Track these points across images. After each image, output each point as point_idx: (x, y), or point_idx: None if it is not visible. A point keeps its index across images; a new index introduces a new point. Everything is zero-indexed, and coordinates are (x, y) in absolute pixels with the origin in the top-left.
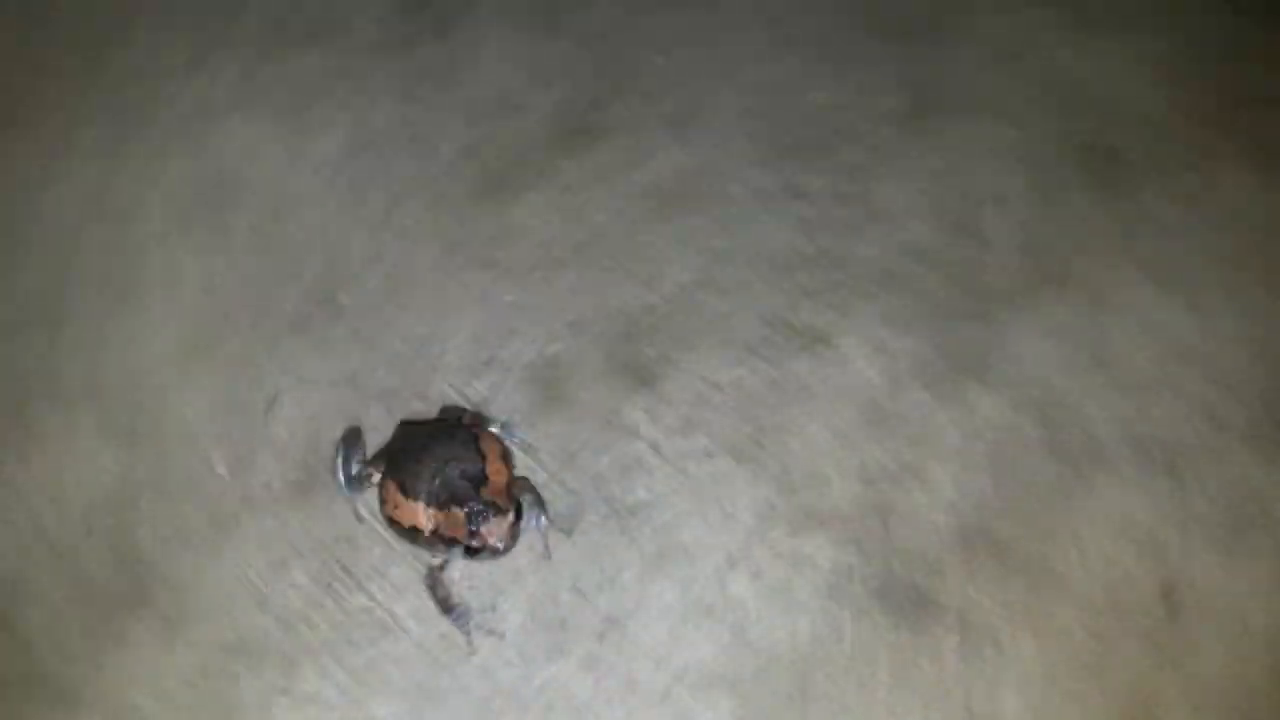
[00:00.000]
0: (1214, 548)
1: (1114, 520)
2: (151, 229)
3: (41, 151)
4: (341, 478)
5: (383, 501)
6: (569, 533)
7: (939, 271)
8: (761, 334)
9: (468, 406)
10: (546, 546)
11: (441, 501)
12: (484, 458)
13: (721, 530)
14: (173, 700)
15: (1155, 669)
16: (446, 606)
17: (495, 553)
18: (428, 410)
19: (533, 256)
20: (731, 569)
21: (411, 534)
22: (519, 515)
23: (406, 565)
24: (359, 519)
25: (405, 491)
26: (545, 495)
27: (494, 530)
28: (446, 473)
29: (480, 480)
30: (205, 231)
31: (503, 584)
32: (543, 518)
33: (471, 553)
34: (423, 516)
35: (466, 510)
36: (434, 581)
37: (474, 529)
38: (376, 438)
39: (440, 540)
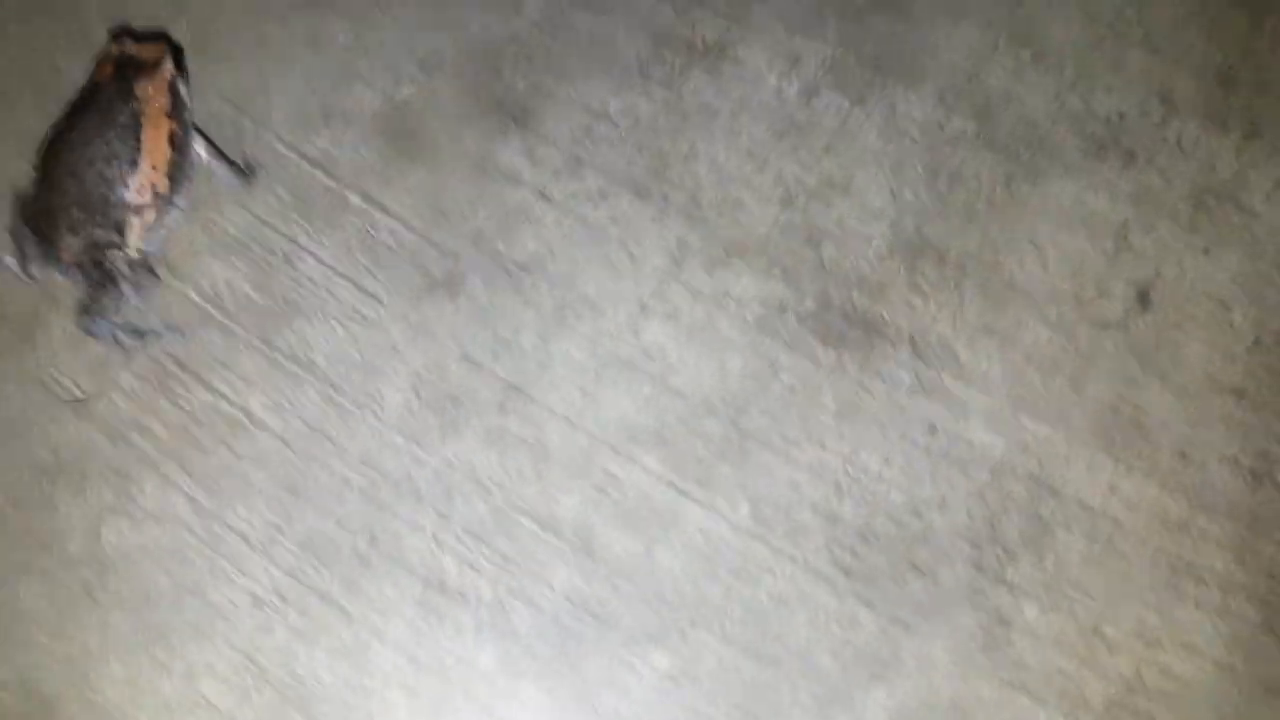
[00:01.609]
0: (1181, 236)
1: (1069, 215)
2: None
3: None
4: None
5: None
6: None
7: None
8: (648, 53)
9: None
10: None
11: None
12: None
13: (629, 276)
14: None
15: (1137, 376)
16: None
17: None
18: None
19: None
20: (645, 316)
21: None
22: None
23: (256, 352)
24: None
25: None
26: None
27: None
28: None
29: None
30: None
31: (379, 362)
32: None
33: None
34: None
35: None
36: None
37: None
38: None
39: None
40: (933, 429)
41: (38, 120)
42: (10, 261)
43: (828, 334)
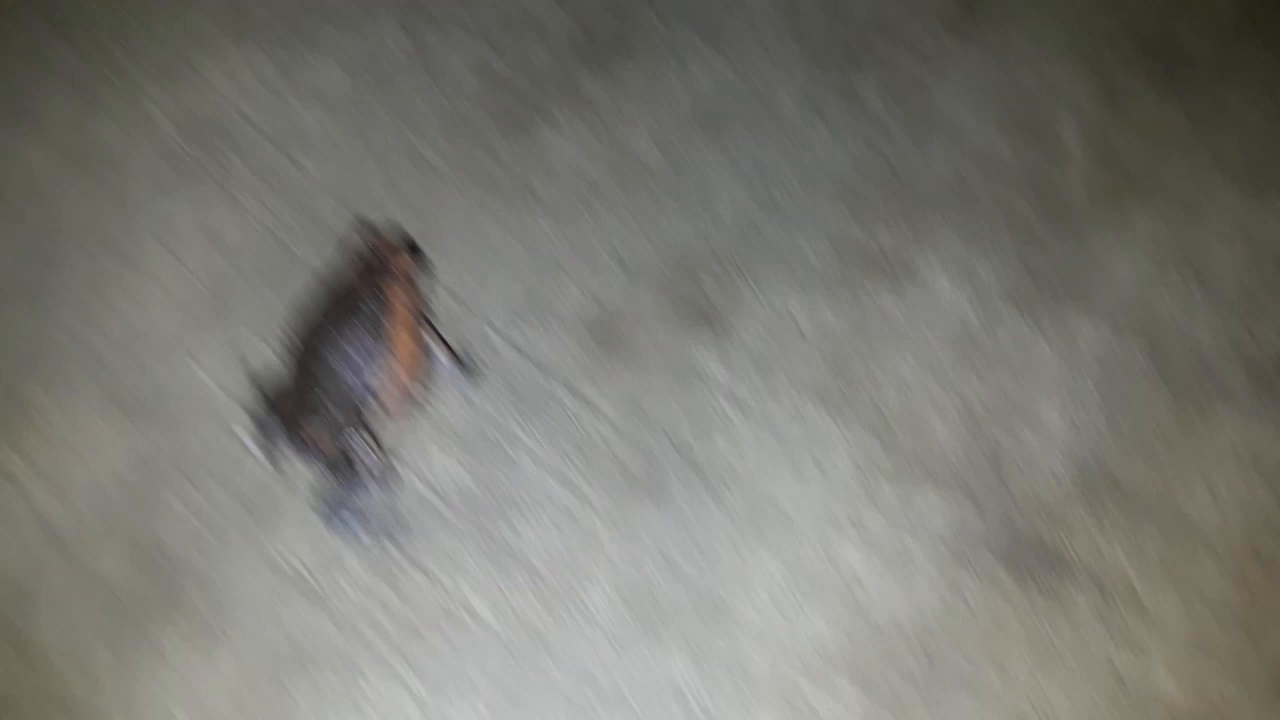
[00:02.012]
0: None
1: (1240, 455)
2: (142, 178)
3: (7, 92)
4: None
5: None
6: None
7: (1016, 185)
8: (834, 262)
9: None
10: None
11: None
12: (390, 338)
13: (819, 487)
14: (216, 717)
15: None
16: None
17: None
18: None
19: (572, 188)
20: (837, 532)
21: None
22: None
23: (477, 547)
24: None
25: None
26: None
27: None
28: (334, 382)
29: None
30: (204, 177)
31: (585, 561)
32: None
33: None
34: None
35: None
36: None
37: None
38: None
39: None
40: (1117, 674)
41: (277, 303)
42: (252, 444)
43: (1015, 565)
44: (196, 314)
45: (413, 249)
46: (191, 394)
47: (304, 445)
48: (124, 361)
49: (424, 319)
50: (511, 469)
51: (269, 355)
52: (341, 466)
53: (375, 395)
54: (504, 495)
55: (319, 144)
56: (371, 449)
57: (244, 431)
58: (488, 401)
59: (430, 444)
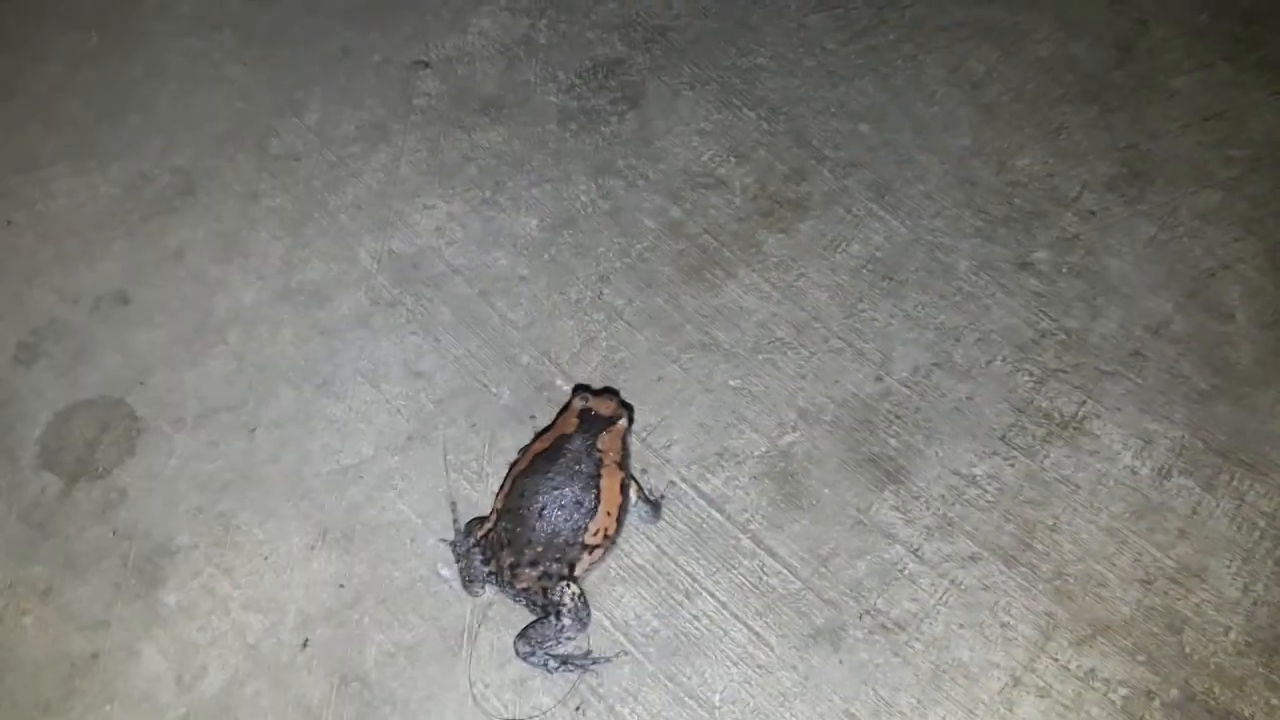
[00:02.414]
0: None
1: None
2: (346, 311)
3: (217, 233)
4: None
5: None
6: (657, 511)
7: (1184, 349)
8: (1010, 420)
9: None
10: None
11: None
12: (601, 490)
13: (1000, 645)
14: None
15: None
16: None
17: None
18: None
19: (753, 337)
20: (1017, 688)
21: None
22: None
23: (660, 686)
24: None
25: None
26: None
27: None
28: (551, 535)
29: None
30: (407, 314)
31: (770, 709)
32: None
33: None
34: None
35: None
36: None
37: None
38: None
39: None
40: None
41: (474, 440)
42: (448, 574)
43: None
44: (398, 446)
45: (626, 405)
46: (394, 525)
47: (511, 586)
48: (328, 491)
49: (630, 469)
50: (694, 610)
51: (469, 490)
52: (545, 607)
53: (585, 546)
54: (687, 636)
55: (514, 290)
56: (579, 599)
57: (445, 567)
58: (670, 542)
59: (617, 582)
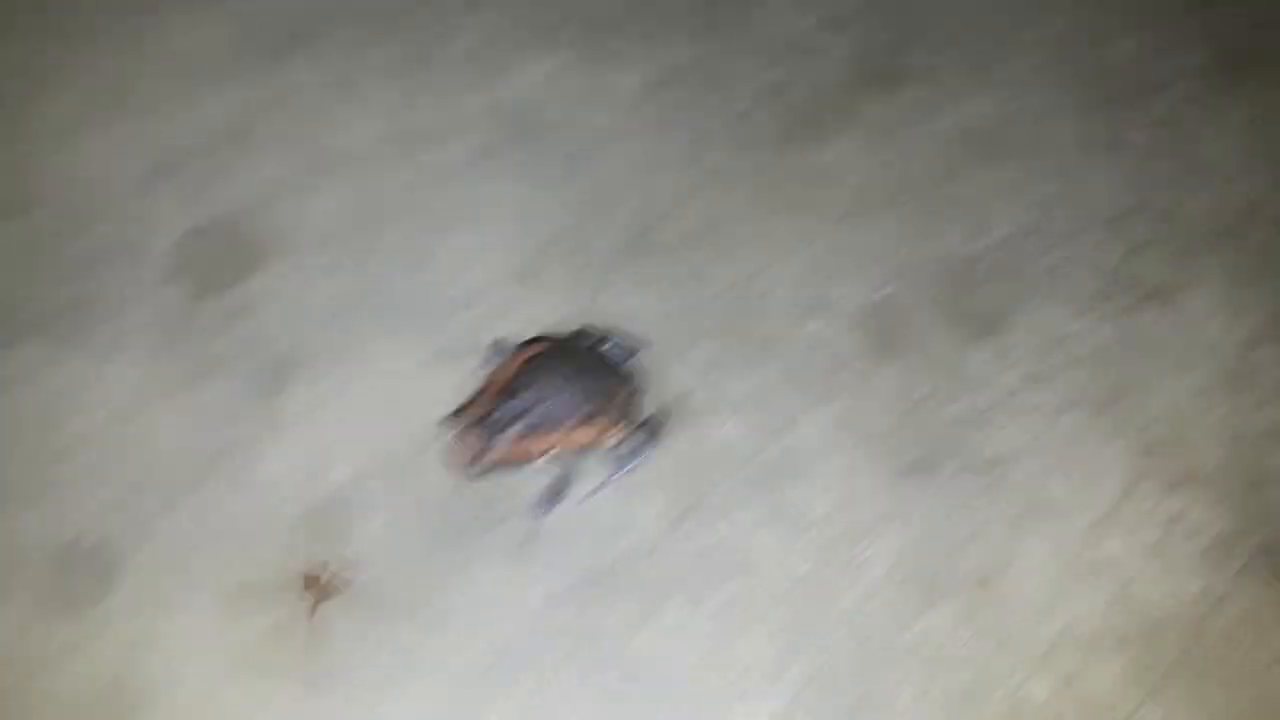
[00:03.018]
0: None
1: None
2: (455, 155)
3: (333, 76)
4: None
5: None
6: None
7: (1277, 231)
8: (1102, 285)
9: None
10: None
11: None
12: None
13: (1088, 487)
14: (527, 624)
15: None
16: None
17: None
18: None
19: (849, 200)
20: (1103, 528)
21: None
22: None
23: (763, 501)
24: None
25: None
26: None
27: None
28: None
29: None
30: (513, 163)
31: (865, 528)
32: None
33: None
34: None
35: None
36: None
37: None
38: (694, 374)
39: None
40: None
41: (572, 279)
42: None
43: (1275, 572)
44: (503, 281)
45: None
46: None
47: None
48: (439, 316)
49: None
50: (795, 439)
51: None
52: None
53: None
54: (788, 460)
55: (615, 144)
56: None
57: None
58: (775, 379)
59: (723, 411)
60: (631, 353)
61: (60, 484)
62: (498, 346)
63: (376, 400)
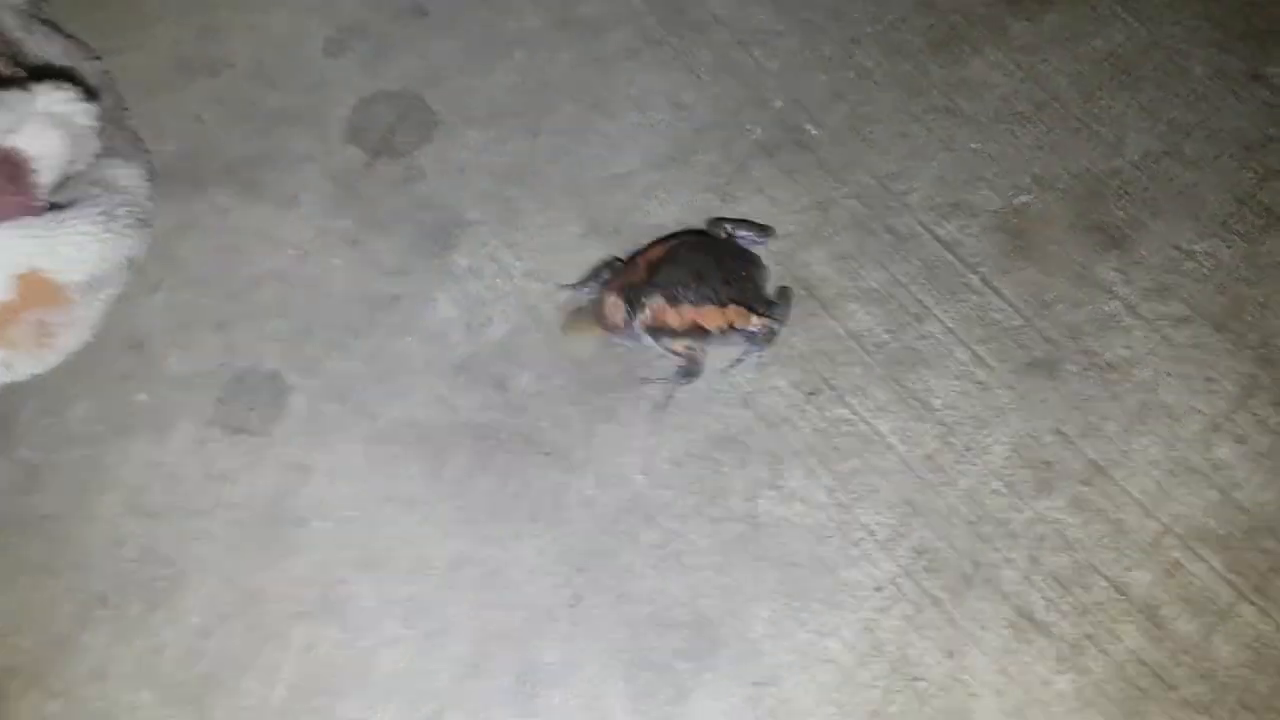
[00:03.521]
0: None
1: None
2: (617, 44)
3: None
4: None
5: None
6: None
7: None
8: (1231, 209)
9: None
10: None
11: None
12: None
13: (1204, 395)
14: (661, 476)
15: None
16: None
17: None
18: None
19: (994, 109)
20: (1215, 432)
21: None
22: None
23: (887, 386)
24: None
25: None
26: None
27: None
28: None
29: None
30: (673, 52)
31: (986, 417)
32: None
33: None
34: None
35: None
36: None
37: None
38: (828, 265)
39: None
40: None
41: (724, 167)
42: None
43: None
44: (659, 164)
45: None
46: (654, 228)
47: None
48: (598, 193)
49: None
50: (921, 331)
51: (719, 207)
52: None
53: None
54: (913, 350)
55: (771, 42)
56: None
57: None
58: (905, 274)
59: (853, 302)
60: (766, 241)
61: (238, 318)
62: (609, 266)
63: (533, 266)
